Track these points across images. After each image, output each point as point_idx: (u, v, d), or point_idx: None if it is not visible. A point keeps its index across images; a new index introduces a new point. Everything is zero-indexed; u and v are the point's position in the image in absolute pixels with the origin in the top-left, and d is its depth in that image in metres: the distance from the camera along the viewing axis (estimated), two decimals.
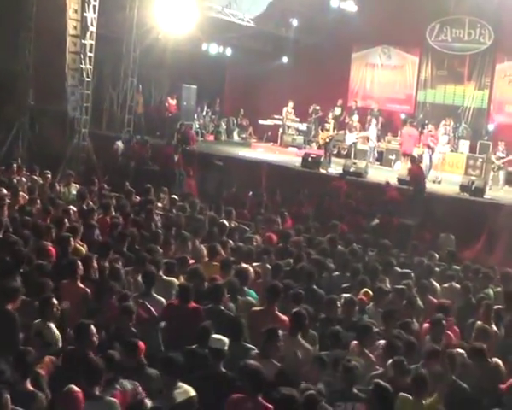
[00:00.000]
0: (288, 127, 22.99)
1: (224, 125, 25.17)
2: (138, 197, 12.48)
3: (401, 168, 18.69)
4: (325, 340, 6.81)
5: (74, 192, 12.58)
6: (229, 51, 24.00)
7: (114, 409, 5.04)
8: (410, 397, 5.64)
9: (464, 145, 21.03)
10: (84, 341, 5.76)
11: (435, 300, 8.56)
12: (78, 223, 9.83)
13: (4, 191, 11.36)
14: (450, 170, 20.12)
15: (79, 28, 16.93)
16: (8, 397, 4.67)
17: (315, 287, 8.18)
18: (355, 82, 24.40)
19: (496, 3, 20.50)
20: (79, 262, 7.42)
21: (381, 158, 21.26)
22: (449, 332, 7.34)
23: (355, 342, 6.66)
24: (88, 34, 17.01)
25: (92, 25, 17.02)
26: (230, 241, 9.90)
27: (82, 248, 8.80)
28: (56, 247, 8.32)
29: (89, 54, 17.18)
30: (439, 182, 18.39)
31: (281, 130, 22.96)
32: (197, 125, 23.80)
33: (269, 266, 8.77)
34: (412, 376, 5.79)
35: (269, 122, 23.77)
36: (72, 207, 10.87)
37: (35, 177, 13.45)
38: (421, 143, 19.64)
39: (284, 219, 12.27)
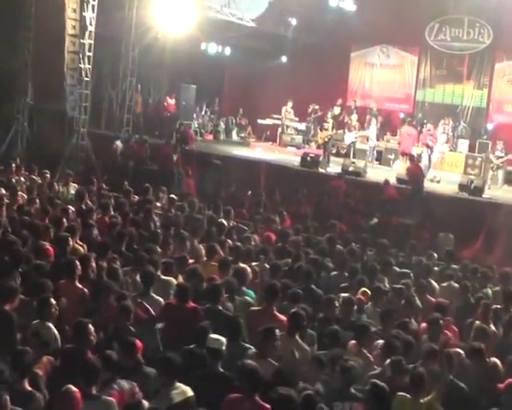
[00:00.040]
0: (287, 127, 22.97)
1: (222, 125, 25.16)
2: (137, 197, 12.48)
3: (400, 168, 18.67)
4: (323, 339, 6.81)
5: (73, 192, 12.57)
6: (228, 51, 23.97)
7: (112, 409, 5.05)
8: (408, 396, 5.64)
9: (463, 144, 21.04)
10: (82, 339, 5.78)
11: (434, 299, 8.56)
12: (77, 223, 9.83)
13: (3, 191, 11.35)
14: (449, 169, 20.14)
15: (78, 28, 16.92)
16: (8, 398, 4.68)
17: (313, 287, 8.18)
18: (354, 81, 24.40)
19: (495, 3, 20.52)
20: (77, 262, 7.42)
21: (380, 157, 21.27)
22: (447, 332, 7.33)
23: (353, 341, 6.67)
24: (87, 34, 17.00)
25: (91, 24, 17.00)
26: (229, 240, 9.91)
27: (80, 247, 8.80)
28: (55, 247, 8.32)
29: (88, 53, 17.17)
30: (438, 181, 18.41)
31: (280, 129, 22.94)
32: (196, 125, 23.79)
33: (267, 266, 8.77)
34: (410, 375, 5.79)
35: (268, 122, 23.76)
36: (70, 206, 10.87)
37: (34, 176, 13.44)
38: (420, 142, 19.68)
39: (283, 218, 12.26)
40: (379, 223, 13.62)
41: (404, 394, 5.66)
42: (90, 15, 16.90)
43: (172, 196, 12.81)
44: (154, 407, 5.06)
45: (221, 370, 5.78)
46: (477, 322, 7.74)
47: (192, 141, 20.16)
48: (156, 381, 5.52)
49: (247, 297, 7.74)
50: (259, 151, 21.75)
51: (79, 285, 7.25)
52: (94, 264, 7.79)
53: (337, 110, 22.21)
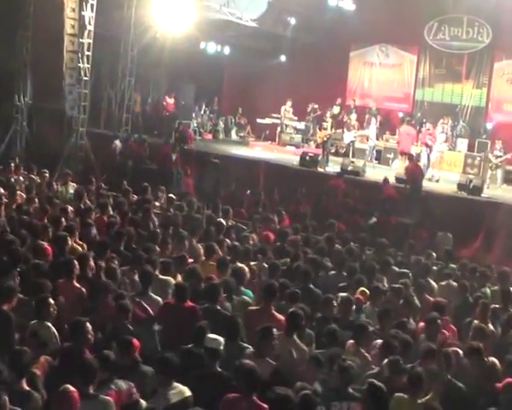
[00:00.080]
0: (286, 126, 22.95)
1: (222, 124, 25.14)
2: (136, 196, 12.48)
3: (399, 167, 18.67)
4: (322, 339, 6.81)
5: (72, 191, 12.57)
6: (227, 50, 23.95)
7: (109, 408, 5.05)
8: (406, 396, 5.64)
9: (462, 144, 21.04)
10: (79, 338, 5.79)
11: (432, 299, 8.55)
12: (76, 222, 9.83)
13: (2, 190, 11.36)
14: (448, 168, 20.14)
15: (77, 27, 16.91)
16: (7, 398, 4.68)
17: (311, 286, 8.17)
18: (353, 81, 24.38)
19: (494, 2, 20.49)
20: (76, 261, 7.42)
21: (379, 157, 21.26)
22: (445, 331, 7.33)
23: (351, 341, 6.67)
24: (86, 33, 16.99)
25: (90, 24, 16.99)
26: (227, 240, 9.91)
27: (79, 247, 8.80)
28: (53, 246, 8.32)
29: (86, 53, 17.16)
30: (437, 180, 18.43)
31: (279, 128, 22.93)
32: (195, 124, 23.78)
33: (265, 265, 8.77)
34: (408, 375, 5.79)
35: (267, 121, 23.75)
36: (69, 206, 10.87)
37: (33, 176, 13.45)
38: (419, 141, 19.66)
39: (281, 217, 12.26)
40: (378, 222, 13.62)
41: (402, 394, 5.66)
42: (88, 15, 16.89)
43: (171, 195, 12.81)
44: (151, 406, 5.06)
45: (219, 370, 5.78)
46: (475, 321, 7.75)
47: (191, 140, 20.13)
48: (153, 380, 5.52)
49: (245, 297, 7.73)
50: (258, 150, 21.74)
51: (77, 285, 7.25)
52: (92, 263, 7.80)
53: (336, 109, 22.21)
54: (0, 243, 8.34)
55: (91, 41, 17.15)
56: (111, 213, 10.79)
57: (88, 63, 17.28)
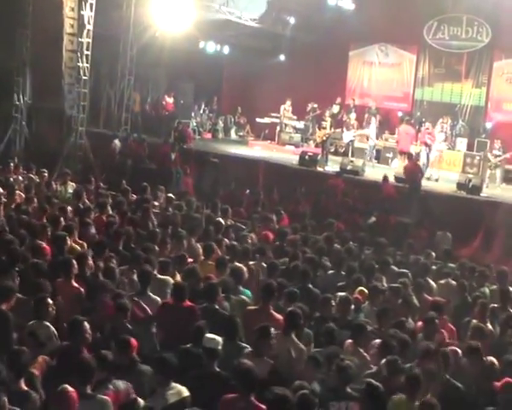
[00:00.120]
0: (286, 125, 22.96)
1: (221, 124, 25.14)
2: (135, 196, 12.48)
3: (398, 166, 18.66)
4: (320, 339, 6.81)
5: (71, 191, 12.58)
6: (226, 49, 23.93)
7: (107, 408, 5.05)
8: (403, 397, 5.63)
9: (461, 143, 21.05)
10: (77, 337, 5.78)
11: (431, 298, 8.56)
12: (74, 222, 9.83)
13: (0, 190, 11.36)
14: (448, 168, 20.13)
15: (76, 26, 16.93)
16: (6, 399, 4.68)
17: (310, 286, 8.17)
18: (352, 80, 24.36)
19: (493, 2, 20.47)
20: (74, 261, 7.42)
21: (379, 156, 21.26)
22: (443, 330, 7.33)
23: (349, 340, 6.67)
24: (85, 32, 16.99)
25: (89, 23, 16.98)
26: (226, 239, 9.90)
27: (78, 246, 8.79)
28: (52, 245, 8.31)
29: (86, 52, 17.16)
30: (436, 180, 18.42)
31: (278, 128, 22.93)
32: (194, 124, 23.78)
33: (264, 265, 8.77)
34: (406, 376, 5.78)
35: (266, 120, 23.77)
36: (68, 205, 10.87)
37: (32, 175, 13.44)
38: (418, 140, 19.66)
39: (280, 217, 12.26)
40: (377, 222, 13.61)
41: (400, 396, 5.65)
42: (88, 14, 16.88)
43: (170, 194, 12.80)
44: (149, 406, 5.06)
45: (217, 369, 5.77)
46: (474, 321, 7.76)
47: (190, 140, 20.13)
48: (151, 379, 5.52)
49: (243, 296, 7.73)
50: (258, 150, 21.73)
51: (75, 284, 7.25)
52: (91, 262, 7.80)
53: (336, 109, 22.24)
54: None
55: (90, 40, 17.14)
56: (110, 212, 10.79)
57: (87, 62, 17.28)
